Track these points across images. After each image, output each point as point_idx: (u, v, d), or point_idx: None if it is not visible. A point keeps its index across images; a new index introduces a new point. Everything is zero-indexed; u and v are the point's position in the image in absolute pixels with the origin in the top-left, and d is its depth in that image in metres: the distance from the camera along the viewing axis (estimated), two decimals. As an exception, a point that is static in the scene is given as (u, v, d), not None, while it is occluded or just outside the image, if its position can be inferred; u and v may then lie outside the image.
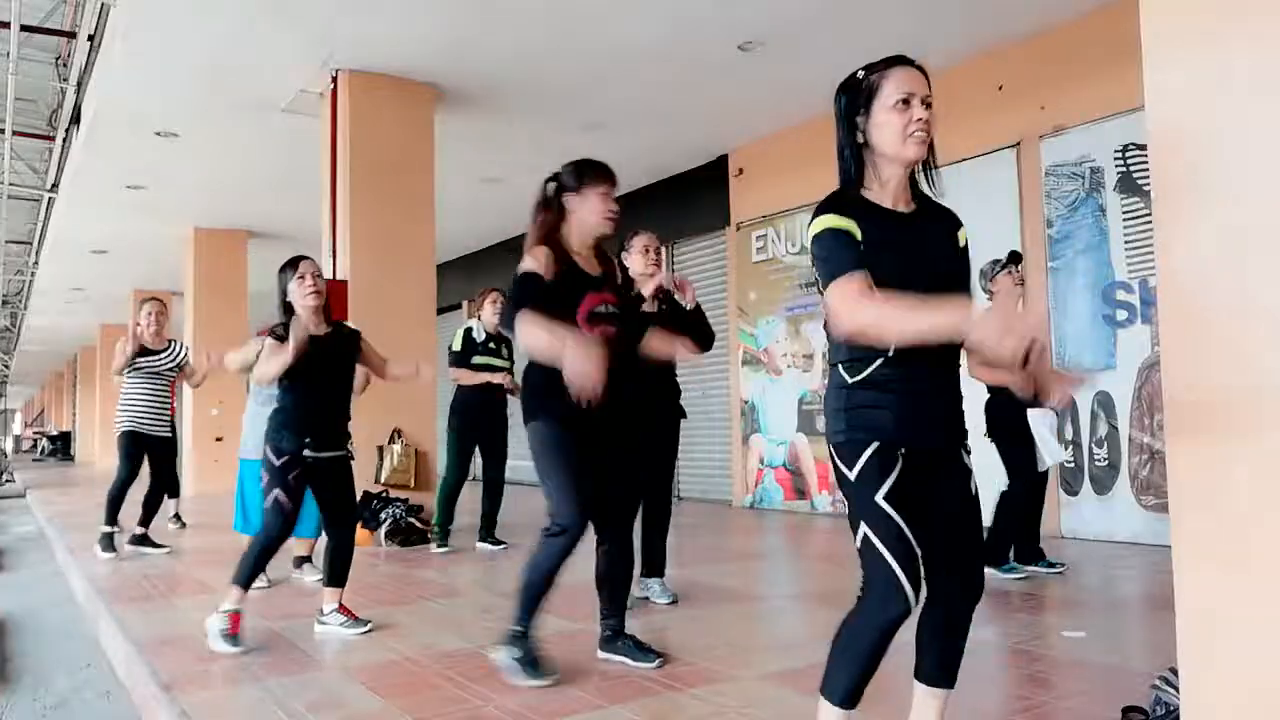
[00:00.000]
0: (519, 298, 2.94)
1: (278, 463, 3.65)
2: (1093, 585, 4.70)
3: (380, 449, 6.69)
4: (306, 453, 3.67)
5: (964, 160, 6.80)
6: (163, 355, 6.39)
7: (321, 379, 3.74)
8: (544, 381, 2.94)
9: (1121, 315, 5.96)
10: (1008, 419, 4.59)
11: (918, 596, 1.83)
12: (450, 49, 6.45)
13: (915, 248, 1.91)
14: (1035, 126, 6.45)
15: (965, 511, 1.96)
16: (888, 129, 1.91)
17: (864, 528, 1.86)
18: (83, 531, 7.89)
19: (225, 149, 8.56)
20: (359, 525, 6.40)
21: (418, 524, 6.48)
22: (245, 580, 3.63)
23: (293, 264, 3.76)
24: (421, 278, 7.09)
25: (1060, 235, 6.33)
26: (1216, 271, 1.84)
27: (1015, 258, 4.74)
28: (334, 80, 6.79)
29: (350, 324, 4.01)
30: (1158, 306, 2.00)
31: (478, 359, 6.10)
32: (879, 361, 1.87)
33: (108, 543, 6.22)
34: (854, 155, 1.96)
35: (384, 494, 6.62)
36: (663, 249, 4.46)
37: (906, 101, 1.90)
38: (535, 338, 2.83)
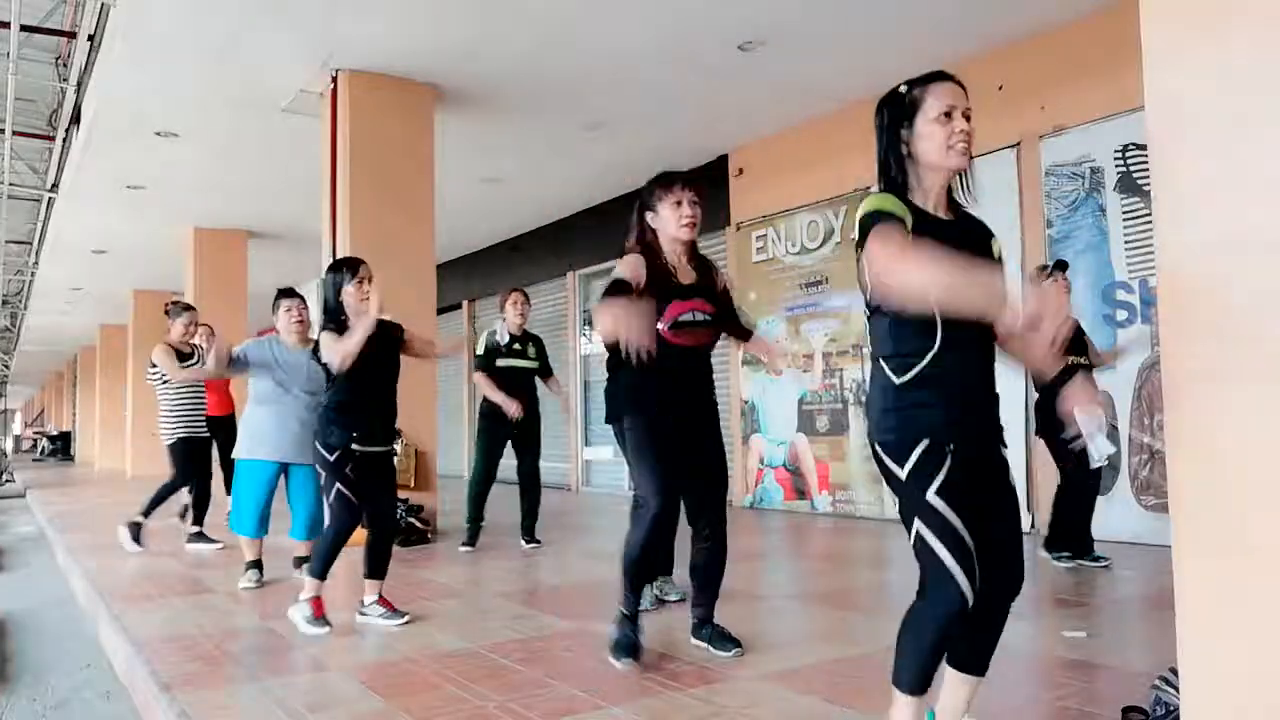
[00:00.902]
0: (601, 299, 3.09)
1: (331, 458, 3.81)
2: (1093, 585, 4.70)
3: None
4: (355, 447, 3.81)
5: (964, 160, 6.80)
6: (192, 360, 6.52)
7: (369, 374, 3.86)
8: (635, 382, 3.19)
9: (1121, 315, 5.96)
10: (1055, 416, 4.73)
11: (975, 589, 1.90)
12: (450, 49, 6.45)
13: (962, 249, 1.98)
14: (1035, 126, 6.45)
15: (1006, 505, 2.05)
16: (932, 140, 2.02)
17: (918, 524, 1.94)
18: (83, 531, 7.90)
19: (225, 149, 8.56)
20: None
21: (418, 524, 6.48)
22: (320, 571, 3.88)
23: (350, 266, 3.88)
24: (421, 278, 7.08)
25: (1060, 235, 6.33)
26: (1216, 271, 1.84)
27: (1062, 265, 4.93)
28: (334, 80, 6.79)
29: (389, 318, 4.04)
30: (1158, 306, 2.00)
31: (502, 361, 6.06)
32: (928, 359, 1.96)
33: (137, 532, 6.45)
34: (899, 166, 2.07)
35: (384, 494, 6.60)
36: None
37: (949, 114, 2.01)
38: (600, 323, 2.92)
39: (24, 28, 6.93)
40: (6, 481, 17.07)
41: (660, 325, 3.10)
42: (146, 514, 6.52)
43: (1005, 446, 2.10)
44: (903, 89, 2.08)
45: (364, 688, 3.06)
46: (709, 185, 9.23)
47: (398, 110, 6.91)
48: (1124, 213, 5.97)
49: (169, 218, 11.20)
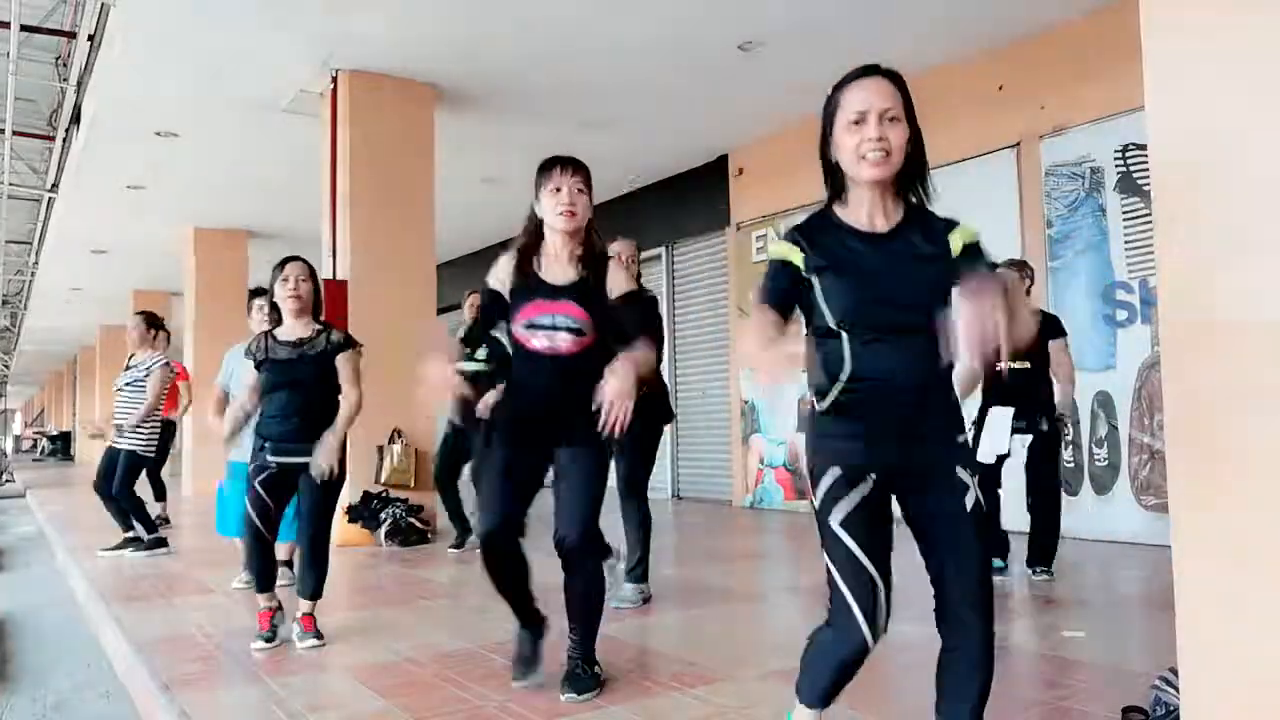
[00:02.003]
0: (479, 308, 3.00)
1: (250, 468, 3.62)
2: (1093, 585, 4.70)
3: (380, 449, 6.69)
4: (269, 458, 3.55)
5: (964, 160, 6.80)
6: (133, 368, 6.50)
7: (282, 385, 3.59)
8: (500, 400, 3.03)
9: (1121, 315, 5.96)
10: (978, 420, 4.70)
11: (876, 631, 1.77)
12: (450, 49, 6.45)
13: (872, 269, 1.80)
14: (1035, 126, 6.45)
15: (958, 529, 1.80)
16: (844, 150, 1.81)
17: (825, 556, 1.84)
18: (83, 532, 7.90)
19: (225, 149, 8.56)
20: (358, 525, 6.45)
21: (418, 524, 6.48)
22: (258, 586, 3.67)
23: (280, 265, 3.70)
24: (421, 278, 7.08)
25: (1060, 235, 6.32)
26: (1216, 271, 1.84)
27: (1014, 264, 4.76)
28: (334, 80, 6.79)
29: (347, 334, 3.79)
30: (1158, 306, 2.00)
31: (461, 365, 6.02)
32: (840, 385, 1.80)
33: (155, 543, 6.51)
34: (830, 178, 1.89)
35: (384, 494, 6.62)
36: (635, 256, 4.39)
37: (859, 121, 1.78)
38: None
39: (24, 28, 6.94)
40: (6, 481, 17.08)
41: (516, 325, 2.86)
42: (150, 530, 6.55)
43: (967, 468, 1.83)
44: (830, 91, 1.86)
45: (364, 688, 3.06)
46: (709, 185, 9.25)
47: (398, 110, 6.91)
48: (1124, 213, 5.97)
49: (169, 218, 11.20)
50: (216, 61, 6.58)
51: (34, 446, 32.70)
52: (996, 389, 4.69)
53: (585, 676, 2.88)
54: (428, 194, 7.14)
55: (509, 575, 2.97)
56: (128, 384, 6.42)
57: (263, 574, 3.66)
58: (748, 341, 1.77)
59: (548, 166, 2.95)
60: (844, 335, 1.79)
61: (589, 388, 2.71)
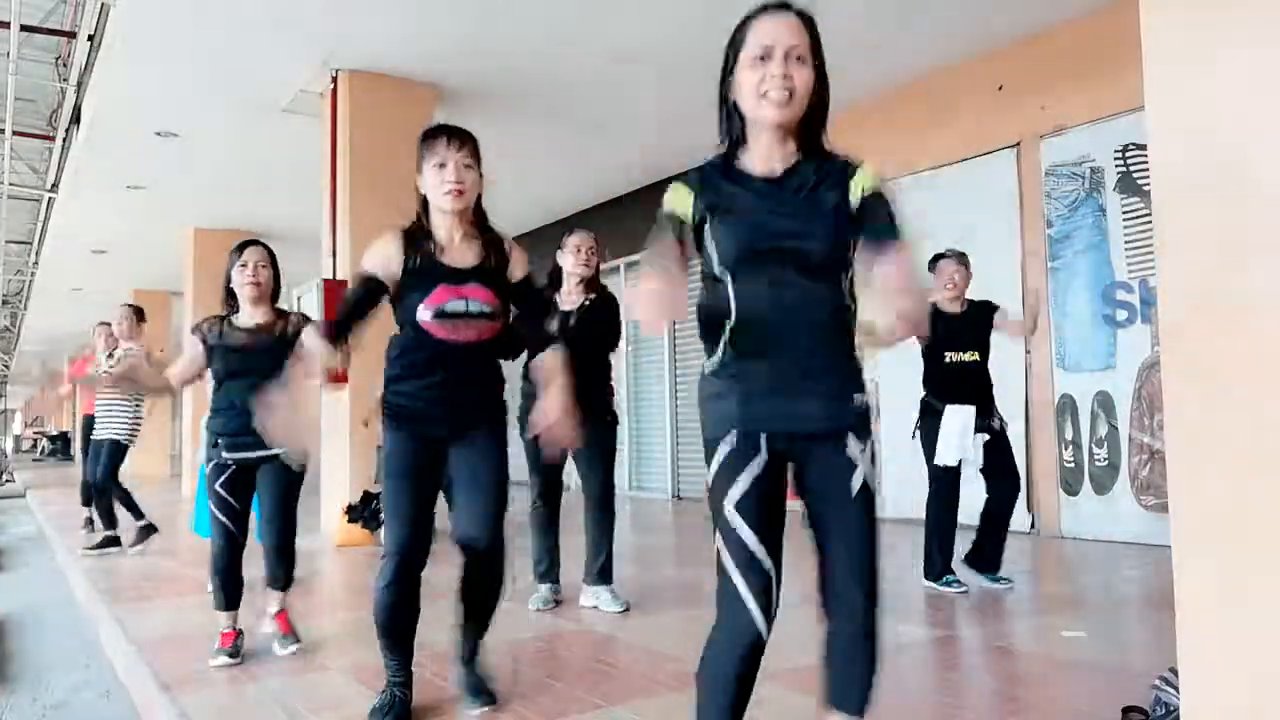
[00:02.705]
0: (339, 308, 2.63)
1: (208, 470, 3.42)
2: (1093, 585, 4.70)
3: (380, 449, 6.68)
4: (225, 455, 3.37)
5: (964, 160, 6.80)
6: (113, 357, 6.71)
7: (240, 374, 3.36)
8: (393, 381, 2.66)
9: (1121, 315, 5.96)
10: (927, 421, 4.45)
11: (769, 619, 1.64)
12: (450, 49, 6.45)
13: (763, 213, 1.68)
14: (1035, 126, 6.45)
15: (844, 511, 1.69)
16: (744, 87, 1.68)
17: (716, 540, 1.68)
18: (83, 532, 7.88)
19: (225, 149, 8.56)
20: (359, 525, 6.44)
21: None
22: (220, 604, 3.45)
23: (238, 249, 3.50)
24: (421, 278, 7.07)
25: (1060, 235, 6.32)
26: (1216, 271, 1.84)
27: (947, 255, 4.49)
28: (334, 80, 6.79)
29: (305, 315, 3.63)
30: (1158, 306, 2.00)
31: None
32: (723, 344, 1.69)
33: (146, 535, 6.57)
34: (726, 121, 1.76)
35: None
36: (596, 250, 4.24)
37: (765, 56, 1.65)
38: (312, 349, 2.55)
39: (24, 28, 6.93)
40: (6, 481, 17.07)
41: (422, 313, 2.57)
42: (139, 516, 6.59)
43: (859, 439, 1.69)
44: (736, 26, 1.72)
45: (364, 688, 3.05)
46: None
47: (398, 110, 6.91)
48: (1124, 213, 5.97)
49: (169, 218, 11.20)
50: (216, 61, 6.58)
51: (34, 446, 32.69)
52: (946, 383, 4.40)
53: (491, 681, 2.81)
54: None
55: (412, 608, 2.69)
56: (112, 375, 6.49)
57: (231, 589, 3.44)
58: (639, 286, 1.64)
59: (430, 137, 2.68)
60: (728, 280, 1.68)
61: (490, 376, 2.67)
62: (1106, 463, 6.00)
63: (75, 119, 8.39)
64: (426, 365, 2.61)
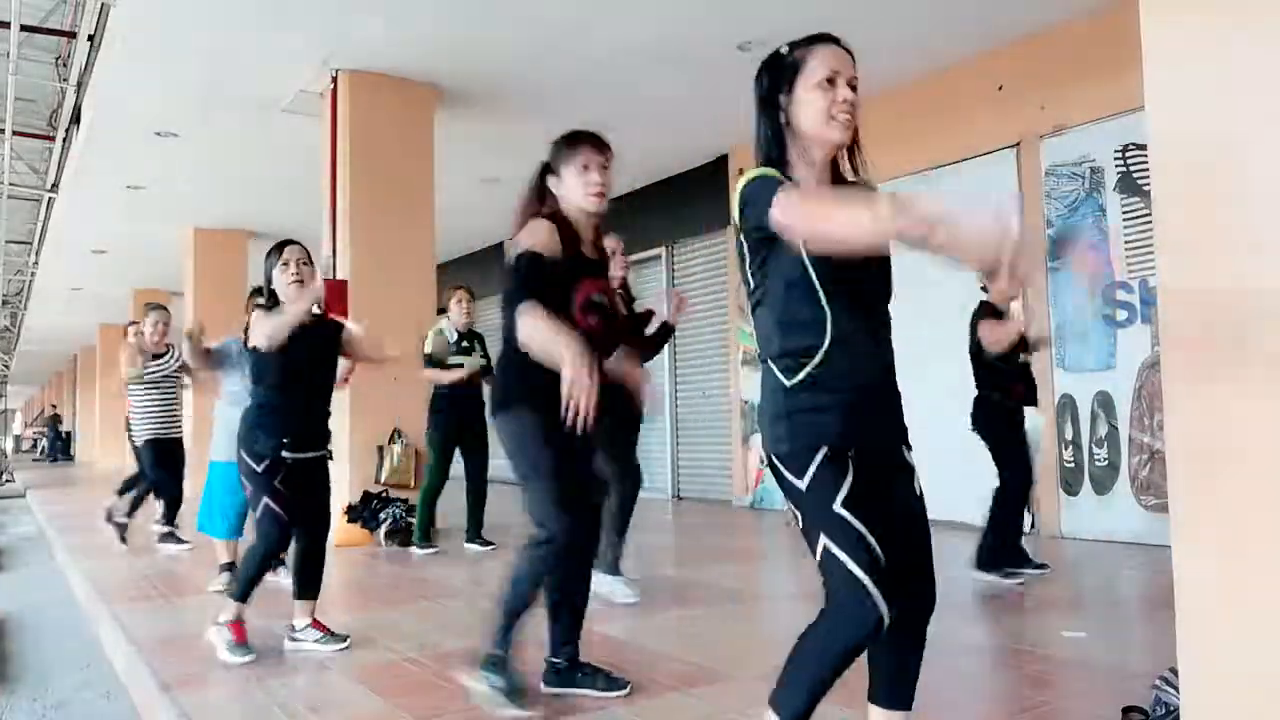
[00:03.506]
0: (521, 281, 2.57)
1: (259, 469, 3.42)
2: (1093, 585, 4.70)
3: (380, 449, 6.69)
4: (285, 454, 3.42)
5: (964, 160, 6.80)
6: (164, 360, 6.58)
7: (301, 372, 3.47)
8: (526, 365, 2.56)
9: (1121, 315, 5.96)
10: (999, 415, 4.58)
11: (891, 609, 1.70)
12: (450, 49, 6.45)
13: None
14: (1035, 126, 6.45)
15: (915, 512, 1.83)
16: (811, 107, 1.80)
17: (824, 539, 1.73)
18: (83, 532, 7.89)
19: (225, 149, 8.56)
20: (358, 525, 6.44)
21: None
22: (242, 594, 3.48)
23: (278, 249, 3.52)
24: (421, 278, 7.08)
25: (1060, 235, 6.32)
26: (1216, 271, 1.84)
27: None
28: (334, 80, 6.79)
29: (336, 318, 3.77)
30: (1158, 306, 2.00)
31: (454, 359, 6.07)
32: (819, 357, 1.75)
33: (123, 532, 6.61)
34: (775, 137, 1.84)
35: (384, 494, 6.61)
36: (623, 253, 4.23)
37: (832, 81, 1.80)
38: (534, 331, 2.49)
39: (24, 28, 6.93)
40: (6, 481, 17.08)
41: (573, 306, 2.66)
42: (130, 515, 6.67)
43: (910, 449, 1.87)
44: (784, 50, 1.85)
45: (364, 688, 3.06)
46: (709, 185, 9.25)
47: (398, 110, 6.91)
48: (1124, 213, 5.97)
49: (169, 218, 11.20)
50: (216, 61, 6.58)
51: (34, 446, 32.70)
52: (1019, 384, 4.63)
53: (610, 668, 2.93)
54: (427, 194, 7.14)
55: (583, 582, 2.89)
56: (165, 376, 6.57)
57: (259, 580, 3.51)
58: (824, 203, 1.67)
59: (575, 141, 2.76)
60: (823, 298, 1.74)
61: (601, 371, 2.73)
62: (1106, 463, 6.00)
63: (75, 119, 8.39)
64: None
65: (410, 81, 6.93)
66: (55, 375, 35.31)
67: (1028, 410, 4.63)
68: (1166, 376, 1.94)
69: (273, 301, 3.50)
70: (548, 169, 2.79)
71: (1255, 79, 1.77)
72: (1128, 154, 5.93)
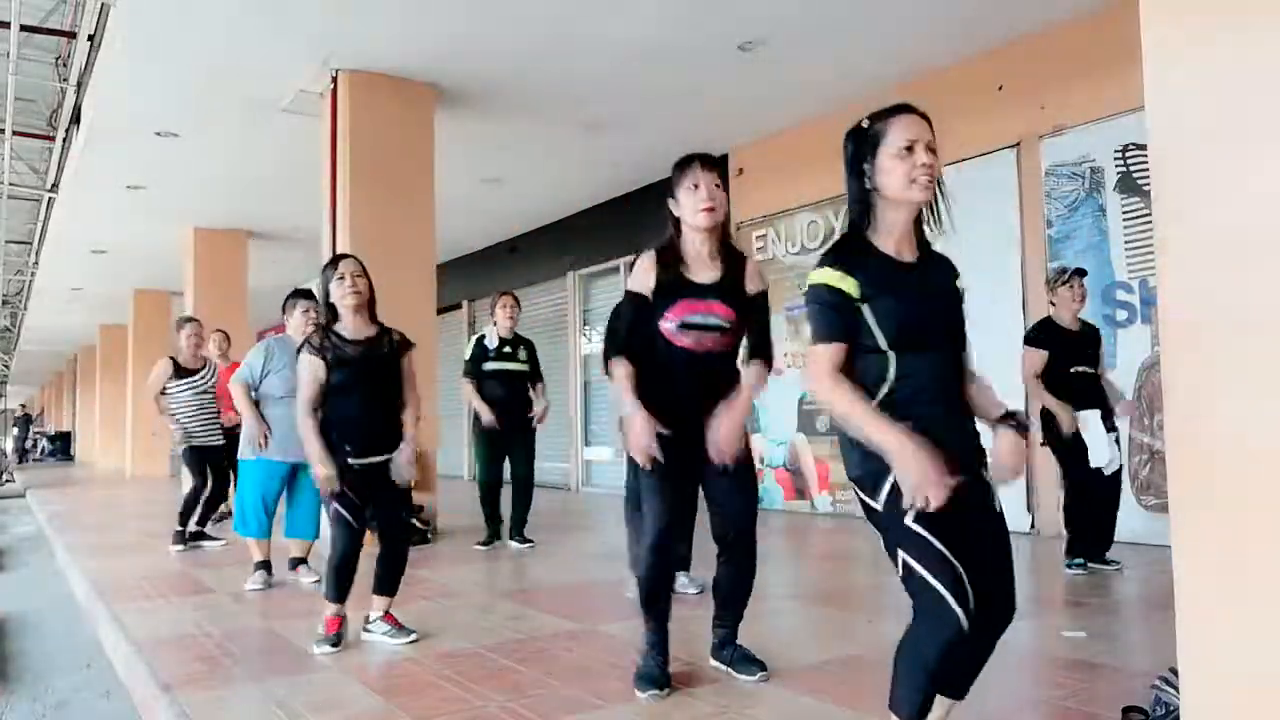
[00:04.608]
0: (613, 326, 2.96)
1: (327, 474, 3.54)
2: (1093, 585, 4.70)
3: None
4: (351, 461, 3.52)
5: (964, 160, 6.79)
6: (200, 375, 6.88)
7: (360, 385, 3.56)
8: (642, 383, 2.90)
9: (1121, 315, 5.96)
10: (1048, 423, 4.88)
11: (969, 614, 1.85)
12: (450, 49, 6.45)
13: (918, 294, 2.00)
14: (1035, 126, 6.45)
15: (990, 529, 1.99)
16: (893, 175, 1.99)
17: (902, 555, 1.90)
18: (83, 532, 7.90)
19: (225, 149, 8.56)
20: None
21: (418, 524, 6.48)
22: (334, 595, 3.59)
23: (334, 263, 3.64)
24: (421, 278, 7.08)
25: (1060, 235, 6.32)
26: (1216, 271, 1.84)
27: (1080, 273, 4.97)
28: (334, 80, 6.79)
29: (404, 335, 3.78)
30: (1157, 307, 2.00)
31: (490, 365, 6.12)
32: (886, 388, 1.96)
33: (179, 538, 6.65)
34: (862, 201, 2.05)
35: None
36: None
37: (910, 148, 1.99)
38: (616, 389, 2.88)
39: (24, 28, 6.94)
40: (6, 481, 17.08)
41: (666, 324, 2.86)
42: (183, 524, 6.70)
43: (985, 467, 2.04)
44: (865, 123, 2.06)
45: (364, 688, 3.06)
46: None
47: (398, 110, 6.91)
48: (1124, 213, 5.97)
49: (169, 218, 11.20)
50: (216, 61, 6.58)
51: (34, 446, 32.69)
52: (1073, 391, 4.84)
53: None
54: (428, 194, 7.14)
55: (669, 584, 3.07)
56: (202, 391, 6.85)
57: (347, 583, 3.60)
58: (839, 397, 1.94)
59: (685, 164, 2.99)
60: (890, 354, 1.97)
61: (729, 384, 2.93)
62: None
63: (75, 119, 8.39)
64: (674, 373, 2.90)
65: (410, 81, 6.93)
66: (55, 375, 35.32)
67: (1084, 412, 4.83)
68: (1166, 376, 1.94)
69: (331, 314, 3.62)
70: (670, 196, 2.99)
71: (1255, 79, 1.77)
72: (1128, 154, 5.93)
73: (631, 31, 6.20)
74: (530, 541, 6.24)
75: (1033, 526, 6.28)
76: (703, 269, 2.92)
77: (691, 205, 2.90)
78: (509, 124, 7.94)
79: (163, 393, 6.71)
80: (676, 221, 2.96)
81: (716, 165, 3.00)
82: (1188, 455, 1.89)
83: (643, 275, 2.92)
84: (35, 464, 26.36)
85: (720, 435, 2.83)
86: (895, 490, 1.89)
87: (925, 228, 2.10)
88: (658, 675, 2.92)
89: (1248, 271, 1.78)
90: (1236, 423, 1.79)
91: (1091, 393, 4.88)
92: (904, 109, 2.04)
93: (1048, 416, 4.88)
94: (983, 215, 6.58)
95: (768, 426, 8.63)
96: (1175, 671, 2.09)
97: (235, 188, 9.95)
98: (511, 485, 6.33)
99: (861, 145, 2.04)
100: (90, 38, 6.93)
